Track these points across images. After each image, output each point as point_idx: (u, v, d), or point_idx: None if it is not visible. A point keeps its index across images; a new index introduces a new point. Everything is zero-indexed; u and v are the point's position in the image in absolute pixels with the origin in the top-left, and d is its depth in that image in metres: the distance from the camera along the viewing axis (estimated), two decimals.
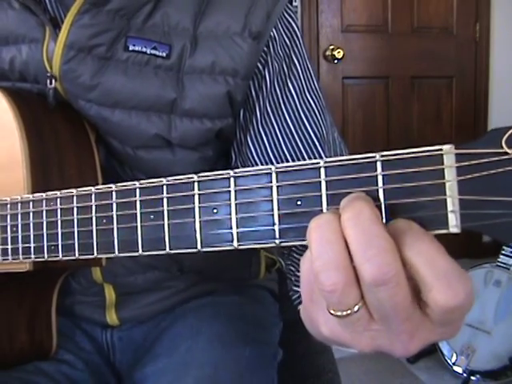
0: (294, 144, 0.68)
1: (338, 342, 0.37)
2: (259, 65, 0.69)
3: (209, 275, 0.85)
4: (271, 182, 0.38)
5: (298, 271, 0.67)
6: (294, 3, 2.72)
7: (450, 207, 0.32)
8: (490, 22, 3.08)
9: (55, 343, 0.76)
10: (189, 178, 0.42)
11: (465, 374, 1.97)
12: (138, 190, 0.45)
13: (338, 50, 2.82)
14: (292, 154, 0.68)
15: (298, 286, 0.67)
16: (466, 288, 0.31)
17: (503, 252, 2.08)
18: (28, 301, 0.73)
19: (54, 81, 0.67)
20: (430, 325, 0.34)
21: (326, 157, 0.68)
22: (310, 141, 0.68)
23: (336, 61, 2.85)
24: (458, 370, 1.99)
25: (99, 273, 0.77)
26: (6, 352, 0.73)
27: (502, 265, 2.06)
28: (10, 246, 0.59)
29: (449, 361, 2.02)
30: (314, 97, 0.70)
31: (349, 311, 0.34)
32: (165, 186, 0.43)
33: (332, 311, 0.34)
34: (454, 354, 2.00)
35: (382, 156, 0.34)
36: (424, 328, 0.34)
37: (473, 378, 1.96)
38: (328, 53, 2.85)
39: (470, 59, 3.10)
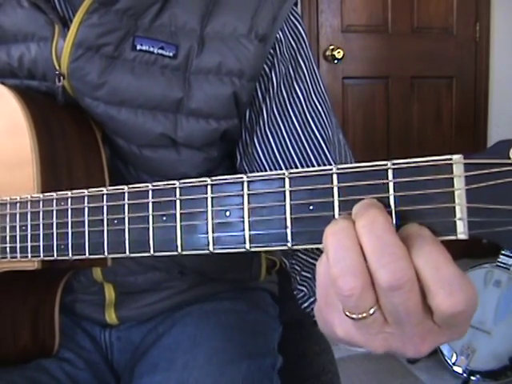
0: (300, 145, 0.69)
1: (351, 342, 0.38)
2: (266, 67, 0.69)
3: (209, 277, 0.85)
4: (284, 187, 0.39)
5: (303, 270, 0.68)
6: None
7: (458, 215, 0.33)
8: (489, 22, 3.07)
9: (57, 342, 0.77)
10: (202, 181, 0.42)
11: (465, 374, 1.97)
12: (150, 192, 0.46)
13: (338, 50, 2.81)
14: (298, 155, 0.69)
15: (303, 286, 0.68)
16: (467, 296, 0.32)
17: (503, 252, 2.08)
18: (32, 299, 0.73)
19: (62, 79, 0.67)
20: (437, 329, 0.35)
21: (332, 158, 0.69)
22: (316, 142, 0.69)
23: (336, 61, 2.84)
24: (458, 370, 1.99)
25: (100, 272, 0.77)
26: (9, 350, 0.73)
27: (501, 265, 2.06)
28: (18, 245, 0.59)
29: (449, 361, 2.02)
30: (320, 99, 0.71)
31: (364, 314, 0.35)
32: (178, 189, 0.44)
33: (348, 313, 0.35)
34: (454, 354, 2.00)
35: (394, 164, 0.35)
36: (434, 331, 0.35)
37: (473, 378, 1.96)
38: (328, 53, 2.84)
39: (470, 59, 3.09)
